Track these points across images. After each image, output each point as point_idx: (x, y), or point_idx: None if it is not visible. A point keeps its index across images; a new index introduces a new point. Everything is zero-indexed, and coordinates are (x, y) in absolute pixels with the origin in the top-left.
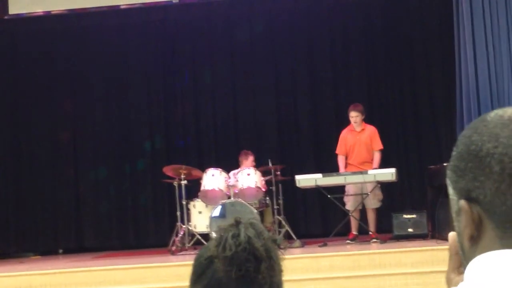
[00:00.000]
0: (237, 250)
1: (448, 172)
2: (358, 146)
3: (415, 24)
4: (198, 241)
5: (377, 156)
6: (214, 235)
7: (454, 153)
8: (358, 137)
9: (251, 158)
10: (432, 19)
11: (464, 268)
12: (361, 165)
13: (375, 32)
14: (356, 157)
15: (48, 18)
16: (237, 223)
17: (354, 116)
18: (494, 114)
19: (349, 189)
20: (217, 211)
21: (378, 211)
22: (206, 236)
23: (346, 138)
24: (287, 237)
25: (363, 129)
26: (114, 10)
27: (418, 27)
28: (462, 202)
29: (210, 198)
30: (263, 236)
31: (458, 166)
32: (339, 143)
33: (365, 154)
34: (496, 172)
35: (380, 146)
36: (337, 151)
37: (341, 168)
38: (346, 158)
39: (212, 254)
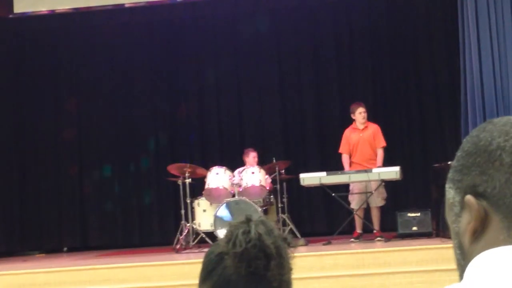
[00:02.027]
0: (247, 247)
1: (450, 175)
2: (362, 144)
3: (420, 22)
4: (202, 239)
5: (380, 154)
6: (219, 234)
7: (458, 154)
8: (362, 135)
9: (252, 155)
10: (437, 17)
11: (461, 268)
12: (365, 163)
13: (380, 30)
14: (360, 155)
15: (52, 17)
16: (248, 220)
17: (363, 111)
18: (501, 118)
19: (354, 188)
20: (221, 210)
21: (382, 209)
22: (210, 235)
23: (349, 136)
24: (292, 235)
25: (366, 127)
26: (118, 9)
27: (423, 25)
28: (468, 197)
29: (214, 197)
30: (273, 233)
31: (464, 164)
32: (342, 142)
33: (369, 152)
34: (507, 163)
35: (383, 144)
36: (340, 150)
37: (346, 167)
38: (350, 156)
39: (222, 251)
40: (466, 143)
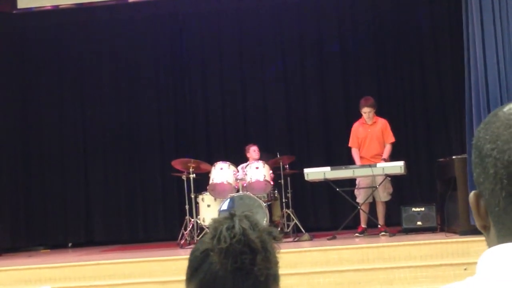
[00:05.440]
0: (232, 242)
1: None
2: (370, 139)
3: (424, 16)
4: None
5: (387, 149)
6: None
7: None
8: (370, 130)
9: (252, 148)
10: (441, 11)
11: None
12: (372, 158)
13: (384, 24)
14: (368, 150)
15: (56, 12)
16: (232, 215)
17: (367, 111)
18: (507, 110)
19: (361, 182)
20: (225, 205)
21: (387, 204)
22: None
23: (357, 130)
24: (296, 230)
25: (374, 122)
26: (122, 4)
27: (428, 19)
28: (471, 194)
29: (218, 192)
30: (258, 228)
31: (472, 159)
32: (351, 136)
33: (377, 147)
34: (491, 174)
35: (392, 139)
36: (350, 144)
37: (357, 161)
38: (358, 151)
39: (208, 247)
40: (474, 135)
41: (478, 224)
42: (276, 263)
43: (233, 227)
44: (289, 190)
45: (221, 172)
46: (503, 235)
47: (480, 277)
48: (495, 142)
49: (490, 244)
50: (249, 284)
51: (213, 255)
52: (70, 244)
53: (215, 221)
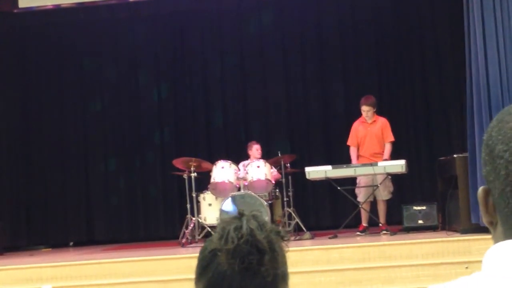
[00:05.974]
0: (239, 243)
1: None
2: (369, 138)
3: (425, 15)
4: (208, 233)
5: (388, 148)
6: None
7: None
8: (369, 128)
9: (255, 147)
10: (442, 10)
11: None
12: (372, 157)
13: (385, 23)
14: (367, 148)
15: (57, 12)
16: (240, 215)
17: (366, 110)
18: None
19: (361, 181)
20: (226, 203)
21: (388, 202)
22: (216, 229)
23: (357, 129)
24: (297, 229)
25: (374, 121)
26: (123, 3)
27: (428, 18)
28: (479, 190)
29: (220, 191)
30: (265, 228)
31: (482, 155)
32: (350, 134)
33: (376, 146)
34: (502, 175)
35: (391, 138)
36: (348, 143)
37: (353, 160)
38: (358, 149)
39: (215, 247)
40: (486, 132)
41: (485, 220)
42: (284, 262)
43: (241, 227)
44: (290, 189)
45: (223, 171)
46: (510, 235)
47: (486, 273)
48: (508, 144)
49: (496, 241)
50: (257, 284)
51: (220, 255)
52: (71, 243)
53: (223, 221)
